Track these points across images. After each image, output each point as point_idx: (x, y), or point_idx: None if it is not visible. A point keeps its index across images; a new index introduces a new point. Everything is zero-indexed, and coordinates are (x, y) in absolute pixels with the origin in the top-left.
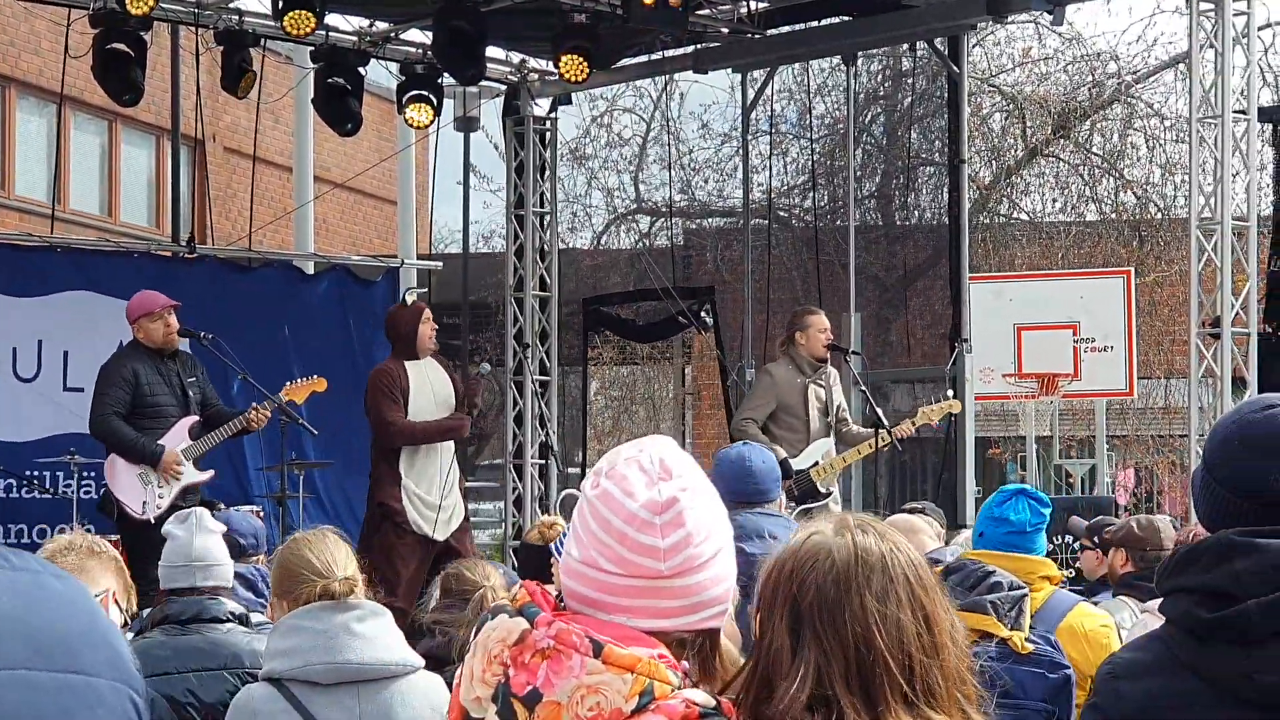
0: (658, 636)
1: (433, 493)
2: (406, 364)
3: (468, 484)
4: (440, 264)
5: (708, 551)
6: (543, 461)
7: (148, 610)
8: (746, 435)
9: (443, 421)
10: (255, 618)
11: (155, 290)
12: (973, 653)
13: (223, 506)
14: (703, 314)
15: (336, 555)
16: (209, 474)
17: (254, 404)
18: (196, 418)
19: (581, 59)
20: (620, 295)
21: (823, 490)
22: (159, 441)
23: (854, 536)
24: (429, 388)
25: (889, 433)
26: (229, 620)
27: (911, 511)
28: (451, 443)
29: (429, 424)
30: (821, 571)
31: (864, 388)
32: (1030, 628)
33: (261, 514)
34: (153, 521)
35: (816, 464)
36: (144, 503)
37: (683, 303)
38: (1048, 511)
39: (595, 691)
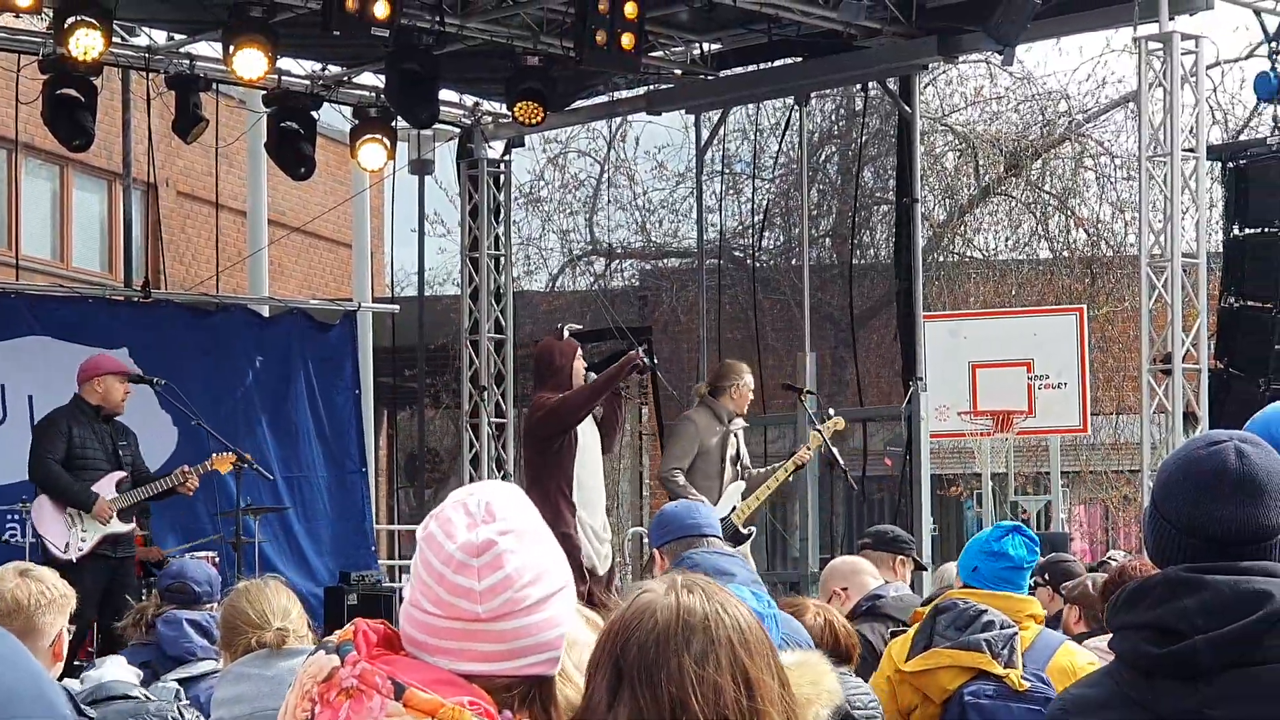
0: (481, 681)
1: (597, 520)
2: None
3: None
4: (398, 307)
5: (533, 595)
6: None
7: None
8: (675, 484)
9: (608, 371)
10: (208, 665)
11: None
12: (968, 692)
13: (171, 558)
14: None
15: (275, 604)
16: (131, 526)
17: (183, 467)
18: (124, 473)
19: (536, 103)
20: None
21: (745, 532)
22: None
23: (679, 596)
24: (587, 420)
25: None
26: (132, 698)
27: (860, 547)
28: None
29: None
30: (644, 631)
31: (820, 428)
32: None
33: (216, 560)
34: (74, 562)
35: (735, 508)
36: (67, 543)
37: (622, 343)
38: (1039, 551)
39: None
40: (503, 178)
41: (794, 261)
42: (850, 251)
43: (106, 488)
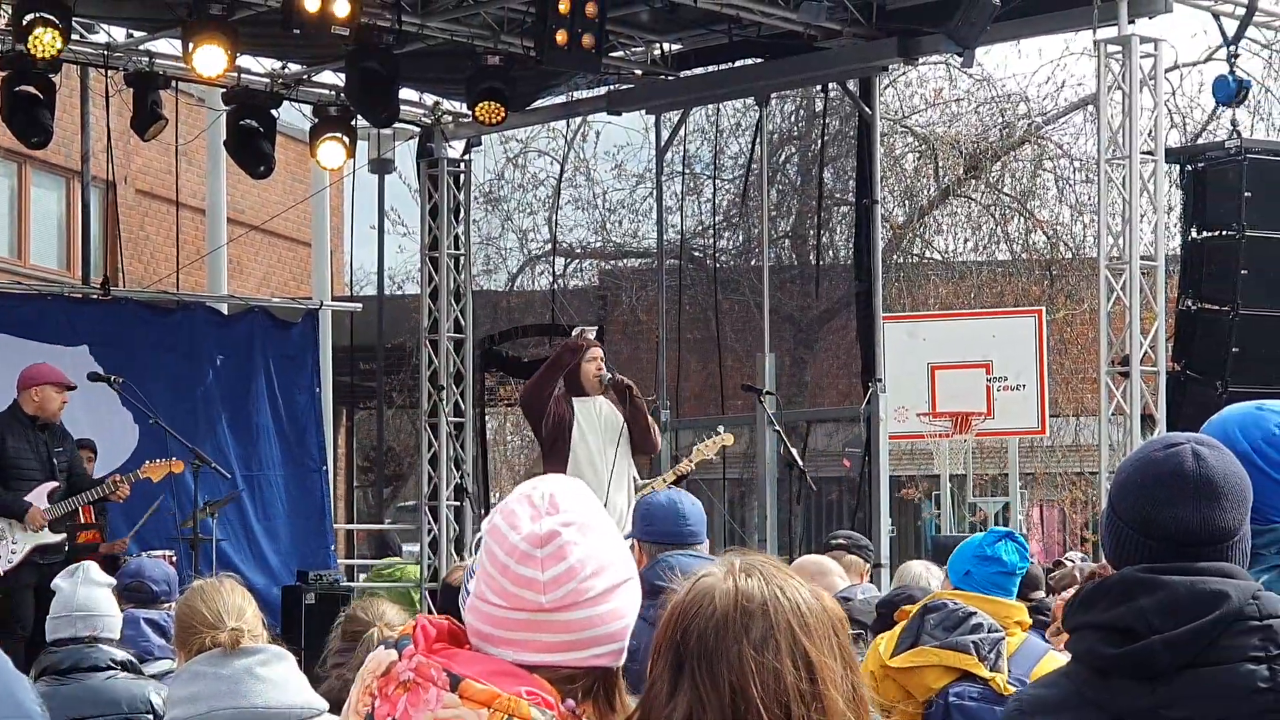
0: (545, 672)
1: None
2: (574, 399)
3: (385, 525)
4: (360, 305)
5: (598, 587)
6: (458, 503)
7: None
8: None
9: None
10: (166, 664)
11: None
12: (953, 693)
13: (127, 557)
14: None
15: (229, 604)
16: (61, 536)
17: (115, 475)
18: (57, 483)
19: (497, 103)
20: (505, 333)
21: None
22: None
23: (737, 581)
24: (597, 423)
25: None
26: (110, 668)
27: (833, 546)
28: (626, 474)
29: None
30: (704, 617)
31: (778, 428)
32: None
33: (174, 559)
34: (1, 575)
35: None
36: None
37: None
38: (1028, 558)
39: None
40: (463, 177)
41: (753, 262)
42: (812, 253)
43: (38, 498)
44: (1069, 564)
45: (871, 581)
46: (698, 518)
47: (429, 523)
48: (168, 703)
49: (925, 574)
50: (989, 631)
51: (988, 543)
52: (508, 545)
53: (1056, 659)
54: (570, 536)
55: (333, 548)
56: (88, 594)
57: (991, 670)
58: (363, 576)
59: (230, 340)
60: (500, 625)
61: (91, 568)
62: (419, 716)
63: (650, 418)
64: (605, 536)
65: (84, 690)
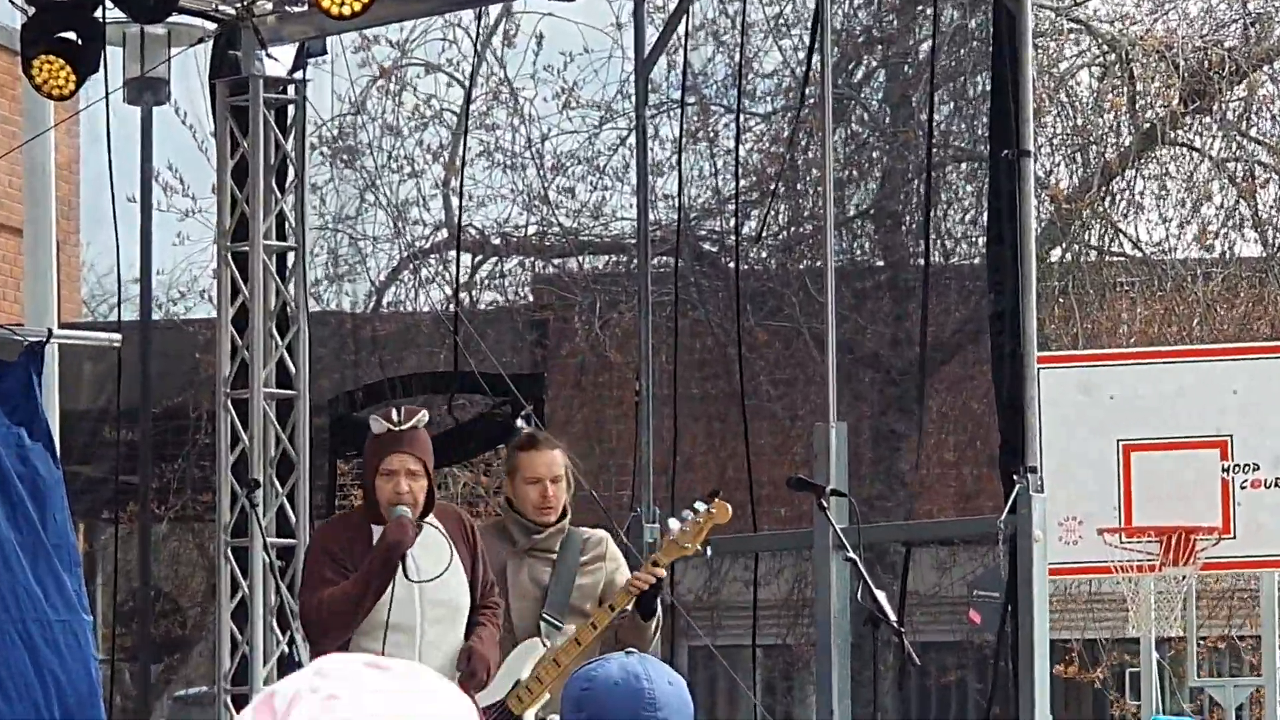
0: None
1: None
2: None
3: None
4: (118, 336)
5: None
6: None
7: None
8: None
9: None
10: None
11: None
12: None
13: None
14: (519, 420)
15: None
16: None
17: None
18: None
19: None
20: (371, 389)
21: None
22: None
23: None
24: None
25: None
26: None
27: None
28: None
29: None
30: None
31: (853, 556)
32: None
33: None
34: None
35: (517, 684)
36: None
37: (495, 405)
38: None
39: None
40: (293, 111)
41: (803, 263)
42: (911, 245)
43: None
44: None
45: None
46: (678, 707)
47: None
48: None
49: None
50: None
51: None
52: None
53: None
54: None
55: None
56: None
57: None
58: None
59: None
60: None
61: None
62: None
63: None
64: None
65: None
